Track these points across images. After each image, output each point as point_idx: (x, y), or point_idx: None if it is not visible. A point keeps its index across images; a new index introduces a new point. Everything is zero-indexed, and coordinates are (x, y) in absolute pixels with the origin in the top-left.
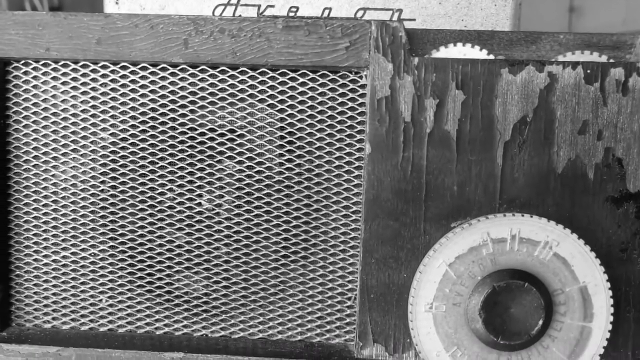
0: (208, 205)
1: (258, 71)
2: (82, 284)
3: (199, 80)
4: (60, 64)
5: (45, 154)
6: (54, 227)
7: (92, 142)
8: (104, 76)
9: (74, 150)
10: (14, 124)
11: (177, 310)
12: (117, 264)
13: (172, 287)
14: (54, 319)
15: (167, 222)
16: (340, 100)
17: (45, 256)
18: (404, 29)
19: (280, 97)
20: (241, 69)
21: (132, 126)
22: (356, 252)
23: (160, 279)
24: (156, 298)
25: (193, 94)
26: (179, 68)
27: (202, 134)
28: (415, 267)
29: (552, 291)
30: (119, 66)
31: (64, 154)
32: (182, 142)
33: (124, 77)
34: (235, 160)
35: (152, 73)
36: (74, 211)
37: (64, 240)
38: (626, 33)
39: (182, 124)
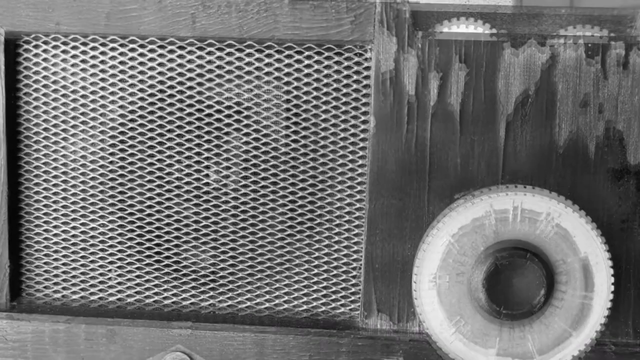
0: (215, 177)
1: (264, 45)
2: (92, 255)
3: (207, 54)
4: (70, 38)
5: (55, 126)
6: (64, 200)
7: (100, 116)
8: (112, 49)
9: (83, 123)
10: (24, 97)
11: (185, 282)
12: (126, 236)
13: (179, 257)
14: (63, 289)
15: (175, 195)
16: (345, 73)
17: (55, 229)
18: (407, 4)
19: (286, 70)
20: (247, 43)
21: (141, 99)
22: (361, 224)
23: (167, 252)
24: (164, 271)
25: (200, 67)
26: (186, 42)
27: (209, 108)
28: (418, 239)
29: (554, 262)
30: (127, 40)
31: (73, 127)
32: (189, 116)
33: (132, 50)
34: (242, 133)
35: (160, 47)
36: (82, 184)
37: (73, 214)
38: (626, 7)
39: (189, 97)
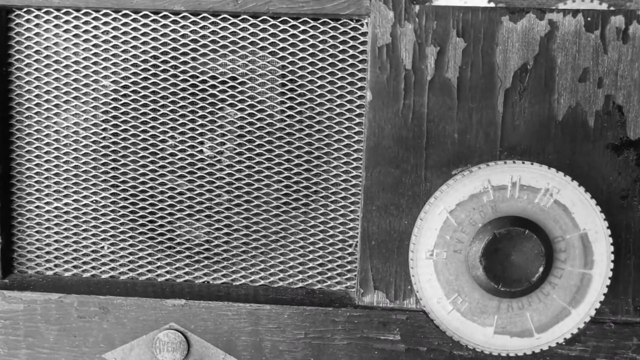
0: (209, 153)
1: (259, 19)
2: (84, 230)
3: (200, 28)
4: (62, 11)
5: (46, 101)
6: (56, 174)
7: (93, 90)
8: (105, 24)
9: (75, 98)
10: (15, 72)
11: (179, 257)
12: (119, 211)
13: (173, 231)
14: (55, 265)
15: (169, 169)
16: (341, 47)
17: (47, 203)
18: None
19: (281, 45)
20: (242, 17)
21: (134, 73)
22: (357, 199)
23: (161, 226)
24: (158, 245)
25: (194, 41)
26: (180, 15)
27: (203, 82)
28: (415, 214)
29: (552, 238)
30: (120, 14)
31: (66, 101)
32: (183, 90)
33: (125, 24)
34: (237, 108)
35: (154, 20)
36: (75, 158)
37: (65, 187)
38: None
39: (183, 72)
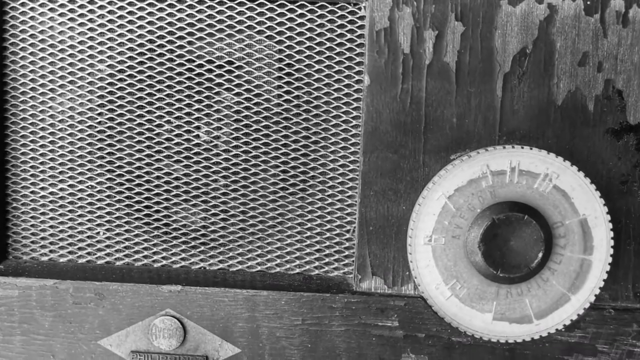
0: (206, 137)
1: (256, 2)
2: (80, 216)
3: (197, 12)
4: None
5: (42, 85)
6: (51, 159)
7: (88, 74)
8: (101, 7)
9: (70, 82)
10: (10, 56)
11: (175, 242)
12: (115, 197)
13: (169, 217)
14: (51, 251)
15: (165, 154)
16: (339, 31)
17: (43, 188)
18: None
19: (279, 29)
20: (239, 1)
21: (130, 58)
22: (355, 184)
23: (157, 212)
24: (154, 230)
25: (191, 25)
26: None
27: (200, 66)
28: (414, 199)
29: (552, 223)
30: None
31: (61, 86)
32: (179, 74)
33: (121, 8)
34: (233, 92)
35: (150, 4)
36: (70, 143)
37: (61, 172)
38: None
39: (180, 56)
